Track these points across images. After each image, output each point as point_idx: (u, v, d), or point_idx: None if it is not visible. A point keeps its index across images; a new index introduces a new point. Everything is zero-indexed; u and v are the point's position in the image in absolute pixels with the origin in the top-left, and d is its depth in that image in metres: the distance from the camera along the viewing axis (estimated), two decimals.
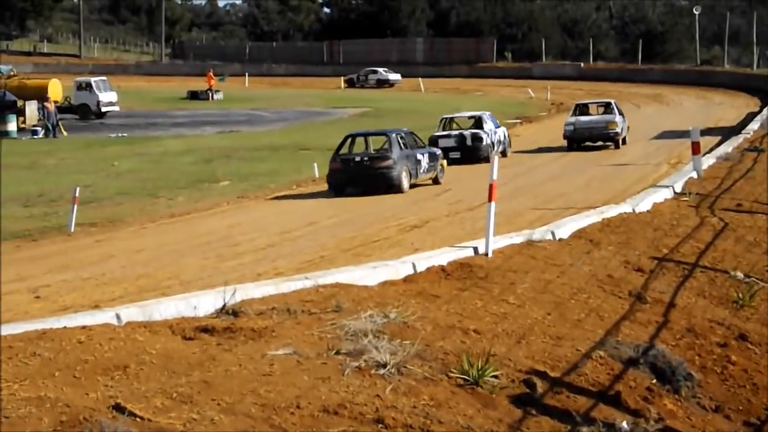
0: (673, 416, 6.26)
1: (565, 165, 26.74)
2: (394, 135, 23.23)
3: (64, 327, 6.24)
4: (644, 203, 14.83)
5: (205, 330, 6.46)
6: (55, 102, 45.98)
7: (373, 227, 16.54)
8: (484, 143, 28.21)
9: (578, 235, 11.69)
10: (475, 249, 10.06)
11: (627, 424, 5.82)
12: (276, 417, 4.92)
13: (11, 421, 4.47)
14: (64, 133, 42.28)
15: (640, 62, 75.91)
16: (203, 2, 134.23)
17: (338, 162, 22.60)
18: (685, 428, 6.23)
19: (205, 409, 4.87)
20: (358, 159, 22.57)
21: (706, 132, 29.15)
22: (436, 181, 23.93)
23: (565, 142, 30.61)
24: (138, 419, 4.66)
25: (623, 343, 7.23)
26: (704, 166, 19.91)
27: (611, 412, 5.97)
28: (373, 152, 23.34)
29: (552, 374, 6.31)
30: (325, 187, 22.83)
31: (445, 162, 24.91)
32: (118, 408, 4.75)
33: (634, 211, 14.10)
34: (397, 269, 9.04)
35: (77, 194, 18.67)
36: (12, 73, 57.64)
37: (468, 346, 6.49)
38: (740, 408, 6.94)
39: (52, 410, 4.61)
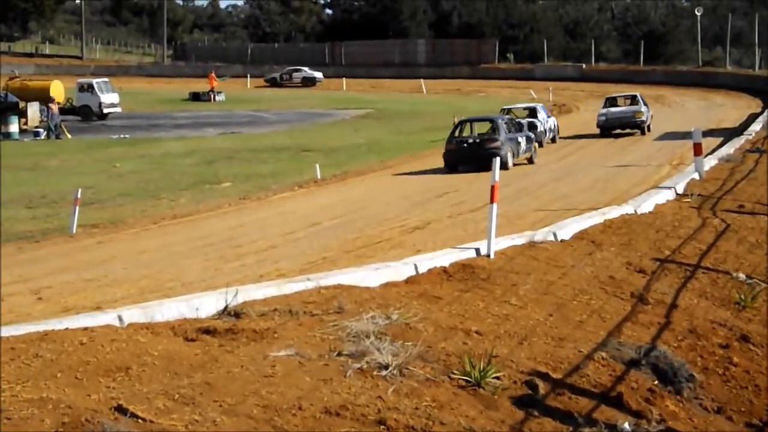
0: (675, 417, 6.26)
1: (567, 166, 26.74)
2: (500, 120, 26.97)
3: (66, 328, 6.24)
4: (646, 204, 14.82)
5: (207, 331, 6.46)
6: (58, 103, 46.05)
7: (375, 228, 16.54)
8: (538, 130, 31.78)
9: (580, 236, 11.69)
10: (477, 250, 10.06)
11: (629, 425, 5.82)
12: (278, 418, 4.92)
13: (13, 422, 4.47)
14: (68, 135, 42.31)
15: (642, 63, 75.88)
16: (205, 4, 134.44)
17: (454, 144, 26.18)
18: (687, 429, 6.22)
19: (207, 410, 4.87)
20: (471, 141, 26.17)
21: (708, 133, 29.16)
22: (530, 160, 27.56)
23: (597, 131, 35.01)
24: (140, 420, 4.67)
25: (625, 344, 7.22)
26: (706, 168, 19.90)
27: (613, 414, 5.97)
28: (484, 135, 26.66)
29: (554, 375, 6.31)
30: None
31: (537, 144, 28.66)
32: (120, 409, 4.76)
33: (636, 212, 14.10)
34: (399, 270, 9.04)
35: (79, 196, 18.68)
36: (15, 75, 57.75)
37: (470, 347, 6.49)
38: (742, 409, 6.93)
39: (54, 411, 4.61)
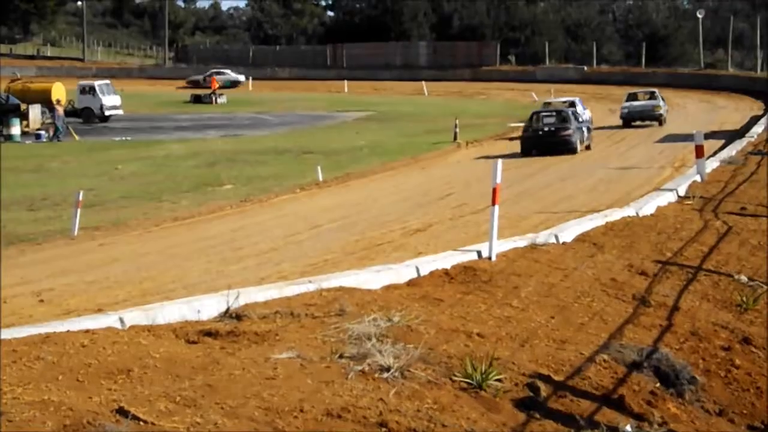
0: (676, 420, 6.25)
1: (569, 168, 26.73)
2: (569, 111, 31.92)
3: (68, 331, 6.24)
4: (648, 207, 14.81)
5: (209, 334, 6.46)
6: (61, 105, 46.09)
7: (377, 231, 16.54)
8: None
9: (582, 238, 11.68)
10: (479, 253, 10.05)
11: (631, 427, 5.81)
12: (279, 421, 4.92)
13: (15, 424, 4.47)
14: (75, 137, 42.34)
15: (643, 65, 75.90)
16: (207, 6, 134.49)
17: (530, 132, 30.79)
18: None
19: (209, 412, 4.87)
20: (546, 129, 30.38)
21: (710, 135, 29.18)
22: (588, 147, 31.68)
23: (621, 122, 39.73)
24: (141, 423, 4.66)
25: (627, 346, 7.21)
26: (708, 170, 19.89)
27: (615, 416, 5.96)
28: (557, 124, 30.57)
29: (556, 378, 6.31)
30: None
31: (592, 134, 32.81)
32: (122, 412, 4.75)
33: (637, 214, 14.09)
34: (401, 273, 9.03)
35: (81, 198, 18.68)
36: (16, 77, 57.80)
37: (471, 349, 6.48)
38: (744, 412, 6.92)
39: (55, 414, 4.61)
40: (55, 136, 42.05)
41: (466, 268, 9.21)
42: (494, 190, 10.47)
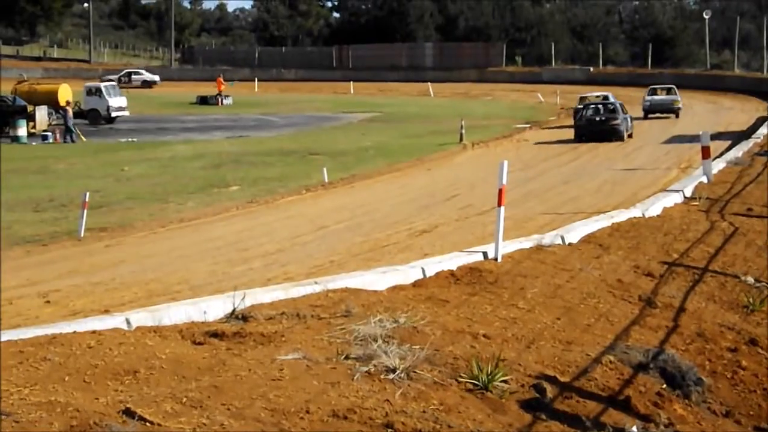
0: (683, 421, 6.25)
1: (575, 169, 26.71)
2: (618, 103, 36.49)
3: (74, 332, 6.25)
4: (654, 208, 14.79)
5: (215, 335, 6.46)
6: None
7: (383, 232, 16.55)
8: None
9: (588, 239, 11.67)
10: (485, 254, 10.05)
11: (637, 428, 5.80)
12: (285, 422, 4.92)
13: (22, 425, 4.48)
14: (82, 138, 42.42)
15: (649, 66, 75.79)
16: (213, 7, 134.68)
17: (583, 121, 35.15)
18: None
19: (215, 413, 4.88)
20: (597, 119, 34.79)
21: (717, 136, 29.14)
22: (630, 135, 35.36)
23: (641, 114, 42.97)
24: (148, 424, 4.67)
25: (633, 347, 7.20)
26: (714, 171, 19.86)
27: (621, 417, 5.95)
28: (607, 114, 34.90)
29: (562, 379, 6.30)
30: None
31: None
32: (128, 413, 4.76)
33: (644, 215, 14.07)
34: (407, 274, 9.03)
35: (87, 199, 18.71)
36: (23, 79, 57.93)
37: (477, 350, 6.48)
38: (751, 413, 6.91)
39: (62, 415, 4.62)
40: (68, 137, 42.08)
41: (472, 269, 9.20)
42: (500, 192, 10.46)
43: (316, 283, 8.39)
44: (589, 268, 9.85)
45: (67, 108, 44.10)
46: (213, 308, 7.32)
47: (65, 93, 50.19)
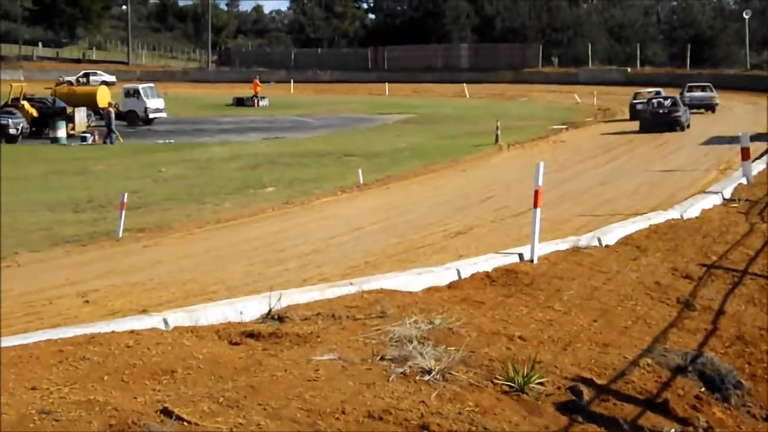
0: (722, 425, 6.18)
1: (612, 170, 26.53)
2: (678, 97, 41.11)
3: (113, 331, 6.32)
4: (693, 209, 14.66)
5: (251, 335, 6.50)
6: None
7: (418, 233, 16.53)
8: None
9: (625, 241, 11.59)
10: (521, 255, 10.01)
11: None
12: (321, 422, 4.93)
13: (61, 423, 4.53)
14: (121, 139, 42.83)
15: (688, 67, 75.05)
16: (249, 9, 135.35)
17: (647, 113, 38.78)
18: None
19: (252, 413, 4.90)
20: (661, 111, 38.56)
21: (756, 137, 28.75)
22: (688, 126, 38.81)
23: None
24: (185, 423, 4.71)
25: (671, 350, 7.14)
26: (754, 172, 19.63)
27: (659, 420, 5.90)
28: (671, 107, 38.78)
29: (598, 381, 6.26)
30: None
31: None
32: (166, 412, 4.80)
33: (682, 217, 13.94)
34: (442, 275, 9.02)
35: (125, 200, 18.87)
36: (62, 80, 58.60)
37: (513, 352, 6.46)
38: None
39: (101, 414, 4.67)
40: (109, 138, 42.45)
41: (507, 271, 9.18)
42: (536, 193, 10.42)
43: (351, 284, 8.41)
44: (626, 270, 9.78)
45: (110, 109, 44.55)
46: (249, 309, 7.36)
47: (104, 95, 50.70)
